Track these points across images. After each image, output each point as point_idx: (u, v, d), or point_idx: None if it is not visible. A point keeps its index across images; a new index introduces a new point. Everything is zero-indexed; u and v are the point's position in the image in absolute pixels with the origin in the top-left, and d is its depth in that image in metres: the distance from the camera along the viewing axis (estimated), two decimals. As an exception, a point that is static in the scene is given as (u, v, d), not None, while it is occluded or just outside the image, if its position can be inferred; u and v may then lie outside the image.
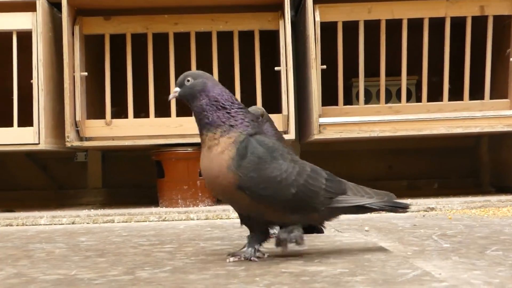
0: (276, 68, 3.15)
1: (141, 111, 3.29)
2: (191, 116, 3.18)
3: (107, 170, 3.80)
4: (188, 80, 1.58)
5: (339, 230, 2.12)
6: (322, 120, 3.11)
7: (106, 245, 1.88)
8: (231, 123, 1.52)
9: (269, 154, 1.50)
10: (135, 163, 3.73)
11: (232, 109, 1.54)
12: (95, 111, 3.32)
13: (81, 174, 3.77)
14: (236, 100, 1.57)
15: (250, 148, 1.49)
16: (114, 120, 3.17)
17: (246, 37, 3.26)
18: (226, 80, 3.27)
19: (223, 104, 1.54)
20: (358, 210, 1.62)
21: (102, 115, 3.29)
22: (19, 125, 3.02)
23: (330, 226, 2.24)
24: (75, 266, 1.47)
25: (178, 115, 3.18)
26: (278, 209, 1.50)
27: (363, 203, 1.58)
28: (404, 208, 1.63)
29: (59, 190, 3.78)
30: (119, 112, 3.38)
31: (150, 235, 2.22)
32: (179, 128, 3.16)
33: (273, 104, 3.40)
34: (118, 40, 3.27)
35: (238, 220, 2.43)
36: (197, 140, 3.09)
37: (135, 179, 3.74)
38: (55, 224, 2.78)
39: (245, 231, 1.59)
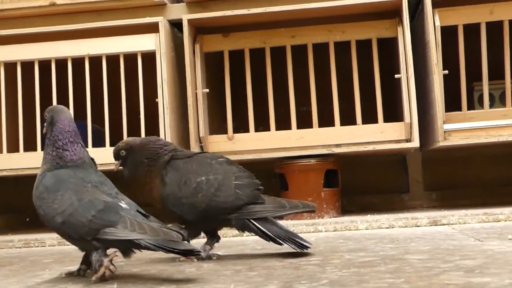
0: (396, 76, 3.10)
1: (259, 125, 3.31)
2: (311, 127, 3.19)
3: (227, 184, 3.84)
4: (46, 116, 1.76)
5: (479, 239, 2.05)
6: (447, 126, 3.03)
7: (250, 258, 1.89)
8: (45, 158, 1.74)
9: (55, 186, 1.65)
10: (257, 177, 3.76)
11: (61, 144, 1.71)
12: (215, 126, 3.38)
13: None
14: (73, 134, 1.72)
15: (43, 180, 1.68)
16: (236, 135, 3.22)
17: (363, 45, 3.24)
18: (345, 90, 3.25)
19: (56, 138, 1.71)
20: (132, 245, 1.58)
21: (222, 131, 3.34)
22: (147, 143, 3.11)
23: (467, 236, 2.18)
24: (230, 281, 1.49)
25: (298, 127, 3.19)
26: (62, 236, 1.68)
27: (130, 238, 1.54)
28: (186, 254, 1.56)
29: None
30: (237, 126, 3.41)
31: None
32: (300, 140, 3.16)
33: (392, 112, 3.35)
34: (236, 56, 3.32)
35: (369, 232, 2.43)
36: (319, 151, 3.11)
37: (256, 192, 3.76)
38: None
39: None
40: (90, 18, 3.29)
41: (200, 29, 3.24)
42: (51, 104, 3.14)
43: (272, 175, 3.40)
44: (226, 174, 1.89)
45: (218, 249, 2.31)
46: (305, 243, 1.87)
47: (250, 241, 2.55)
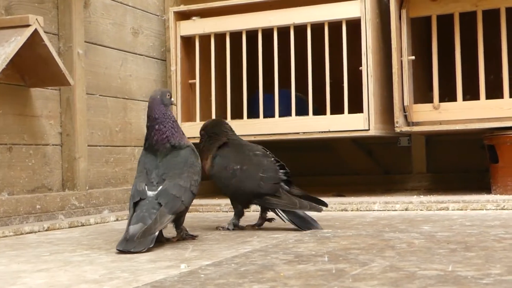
0: None
1: (466, 94, 3.14)
2: (526, 96, 2.97)
3: (431, 154, 3.73)
4: None
5: None
6: None
7: (464, 237, 1.80)
8: None
9: (137, 166, 2.06)
10: (460, 147, 3.61)
11: (146, 128, 2.07)
12: (420, 95, 3.27)
13: (405, 159, 3.75)
14: (153, 118, 2.02)
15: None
16: (442, 104, 3.08)
17: None
18: None
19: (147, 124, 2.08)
20: None
21: (426, 100, 3.22)
22: (349, 111, 3.08)
23: None
24: (447, 261, 1.42)
25: (511, 96, 2.98)
26: None
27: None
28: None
29: (385, 175, 3.81)
30: (441, 95, 3.26)
31: (498, 225, 2.10)
32: (513, 110, 2.96)
33: None
34: (444, 21, 3.16)
35: None
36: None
37: (461, 163, 3.61)
38: (388, 210, 2.80)
39: None
40: (295, -13, 3.30)
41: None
42: (257, 73, 3.23)
43: (479, 147, 3.23)
44: (257, 166, 2.24)
45: (423, 222, 2.23)
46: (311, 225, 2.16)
47: (457, 216, 2.45)
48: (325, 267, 1.41)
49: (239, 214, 2.27)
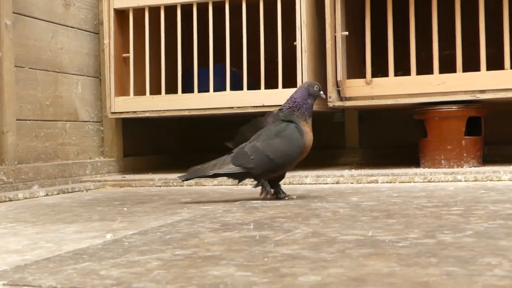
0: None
1: (398, 70, 3.20)
2: (454, 72, 3.03)
3: (364, 130, 3.79)
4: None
5: None
6: None
7: (387, 206, 1.84)
8: None
9: None
10: (393, 123, 3.68)
11: None
12: (354, 71, 3.31)
13: (339, 134, 3.80)
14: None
15: None
16: (375, 79, 3.13)
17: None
18: (492, 32, 3.06)
19: None
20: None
21: (360, 75, 3.26)
22: (284, 86, 3.10)
23: None
24: (368, 227, 1.46)
25: (440, 71, 3.05)
26: None
27: None
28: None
29: (319, 150, 3.84)
30: (375, 71, 3.31)
31: (423, 196, 2.16)
32: (442, 85, 3.02)
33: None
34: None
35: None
36: (462, 97, 2.96)
37: (393, 139, 3.68)
38: (319, 184, 2.83)
39: None
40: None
41: (339, -30, 3.15)
42: (192, 48, 3.20)
43: (411, 121, 3.30)
44: None
45: (353, 194, 2.28)
46: None
47: (385, 188, 2.50)
48: (249, 234, 1.43)
49: None
